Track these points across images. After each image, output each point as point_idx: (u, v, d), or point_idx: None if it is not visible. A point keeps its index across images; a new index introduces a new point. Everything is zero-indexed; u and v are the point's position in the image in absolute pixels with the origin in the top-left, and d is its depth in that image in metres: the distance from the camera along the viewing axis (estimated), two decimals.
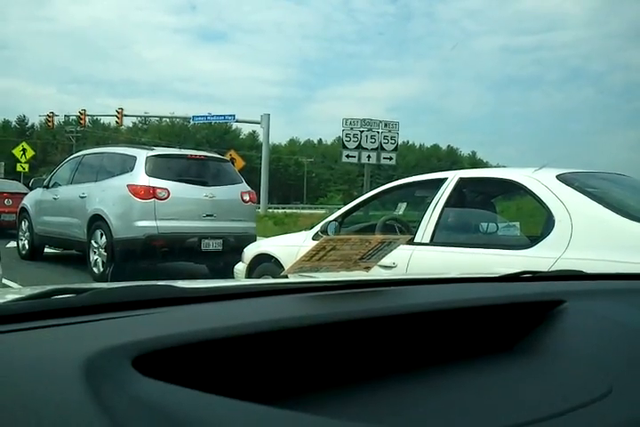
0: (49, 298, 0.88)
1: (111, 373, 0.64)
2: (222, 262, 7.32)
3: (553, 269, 2.67)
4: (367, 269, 1.25)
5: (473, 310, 1.05)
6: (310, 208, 47.98)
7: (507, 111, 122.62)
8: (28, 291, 0.97)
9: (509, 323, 1.05)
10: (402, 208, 5.42)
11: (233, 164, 9.75)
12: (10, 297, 0.95)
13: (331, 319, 0.89)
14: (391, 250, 1.24)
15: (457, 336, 1.01)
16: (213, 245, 7.66)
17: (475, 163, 79.82)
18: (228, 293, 1.08)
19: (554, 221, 3.11)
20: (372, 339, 0.92)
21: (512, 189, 3.84)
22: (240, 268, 5.10)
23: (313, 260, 1.14)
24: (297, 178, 76.93)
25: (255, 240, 6.63)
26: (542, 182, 3.31)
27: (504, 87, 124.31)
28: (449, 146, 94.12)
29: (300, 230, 5.02)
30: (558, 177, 3.33)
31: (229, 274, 5.29)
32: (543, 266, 2.65)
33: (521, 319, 1.06)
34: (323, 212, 25.29)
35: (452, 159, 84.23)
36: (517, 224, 3.98)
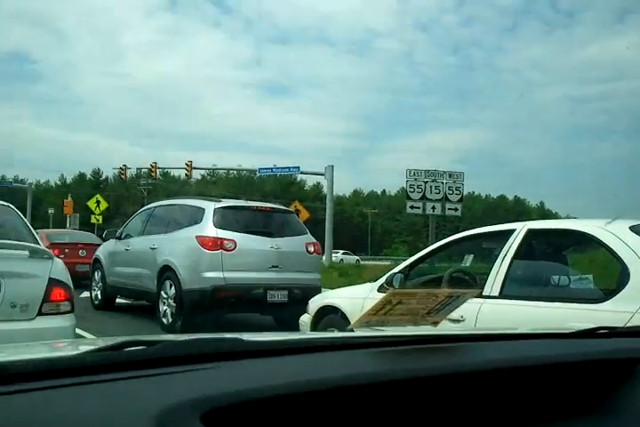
0: (121, 350, 0.89)
1: None
2: (288, 314, 7.29)
3: (630, 324, 2.55)
4: (435, 323, 1.23)
5: (547, 367, 1.01)
6: (374, 260, 47.71)
7: (575, 161, 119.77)
8: (101, 342, 1.00)
9: (586, 382, 1.01)
10: (469, 260, 5.33)
11: (297, 215, 9.84)
12: (83, 348, 0.97)
13: (401, 376, 0.87)
14: (459, 304, 1.22)
15: (532, 395, 0.97)
16: (279, 296, 7.67)
17: (543, 214, 77.89)
18: (296, 346, 1.07)
19: (629, 273, 3.00)
20: (444, 396, 0.89)
21: (584, 240, 3.74)
22: (305, 319, 5.07)
23: (379, 314, 1.13)
24: (361, 229, 76.84)
25: (320, 292, 6.61)
26: (615, 234, 3.22)
27: (571, 137, 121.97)
28: (516, 196, 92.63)
29: (365, 282, 4.98)
30: (632, 228, 3.25)
31: (295, 325, 5.27)
32: (619, 320, 2.54)
33: (598, 378, 1.02)
34: (387, 263, 25.09)
35: (519, 210, 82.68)
36: (590, 277, 3.85)
